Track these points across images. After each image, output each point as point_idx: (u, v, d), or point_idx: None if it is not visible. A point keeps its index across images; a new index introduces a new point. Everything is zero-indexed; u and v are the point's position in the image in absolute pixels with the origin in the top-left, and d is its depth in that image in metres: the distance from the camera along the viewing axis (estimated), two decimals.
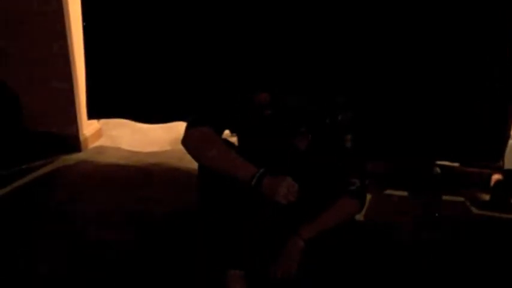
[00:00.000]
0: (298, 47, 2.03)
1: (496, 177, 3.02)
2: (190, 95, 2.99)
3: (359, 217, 2.34)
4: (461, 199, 3.00)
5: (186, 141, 1.92)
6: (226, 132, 2.04)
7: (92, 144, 3.60)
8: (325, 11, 2.69)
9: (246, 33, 2.80)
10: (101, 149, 3.56)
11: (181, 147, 1.93)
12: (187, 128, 1.93)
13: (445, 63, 2.74)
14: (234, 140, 2.09)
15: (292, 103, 1.95)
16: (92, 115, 3.35)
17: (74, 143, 3.47)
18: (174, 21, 2.94)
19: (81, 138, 3.50)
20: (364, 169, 2.07)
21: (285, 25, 2.67)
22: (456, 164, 3.16)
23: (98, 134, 3.70)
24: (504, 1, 2.60)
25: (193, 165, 1.99)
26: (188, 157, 1.93)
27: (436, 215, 2.81)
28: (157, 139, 3.68)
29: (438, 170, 3.11)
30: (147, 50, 3.05)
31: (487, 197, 3.02)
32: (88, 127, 3.55)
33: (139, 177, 3.16)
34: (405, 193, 3.04)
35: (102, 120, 3.67)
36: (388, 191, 3.05)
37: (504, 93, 2.76)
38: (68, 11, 3.18)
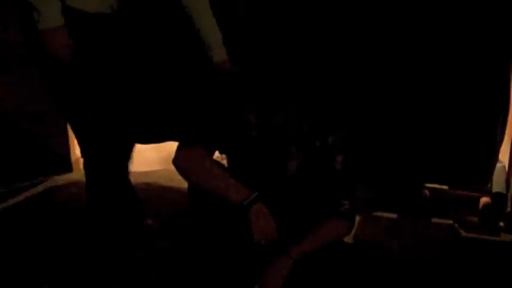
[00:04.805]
0: (286, 65, 2.06)
1: (484, 200, 3.04)
2: (181, 115, 3.00)
3: (348, 239, 2.34)
4: (450, 221, 3.02)
5: (177, 161, 1.93)
6: (217, 154, 2.06)
7: None
8: (313, 29, 2.73)
9: (234, 52, 2.82)
10: None
11: (172, 167, 1.94)
12: (178, 149, 1.94)
13: (434, 88, 2.77)
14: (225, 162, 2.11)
15: (280, 122, 1.97)
16: None
17: (65, 163, 3.47)
18: (159, 40, 2.95)
19: (73, 158, 3.50)
20: (353, 191, 2.09)
21: (272, 42, 2.71)
22: (445, 187, 3.18)
23: None
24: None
25: (184, 185, 2.00)
26: (179, 177, 1.94)
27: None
28: (148, 159, 3.69)
29: (427, 192, 3.13)
30: (134, 70, 3.06)
31: (475, 220, 3.04)
32: None
33: None
34: (394, 215, 3.05)
35: None
36: (377, 213, 3.06)
37: (492, 117, 2.79)
38: None
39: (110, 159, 2.49)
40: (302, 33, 2.72)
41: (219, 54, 2.57)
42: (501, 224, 2.97)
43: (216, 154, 2.05)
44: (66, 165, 3.49)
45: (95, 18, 2.25)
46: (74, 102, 2.37)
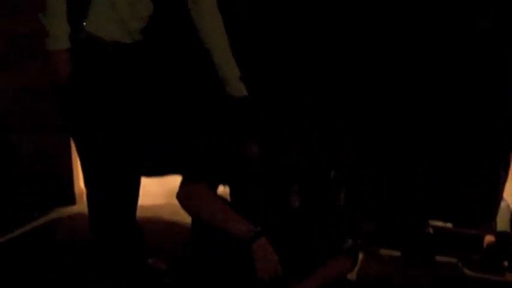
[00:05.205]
0: (288, 103, 2.07)
1: (488, 238, 3.02)
2: (185, 148, 3.01)
3: (351, 276, 2.33)
4: (454, 260, 2.99)
5: (180, 196, 1.93)
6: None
7: None
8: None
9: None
10: None
11: (175, 201, 1.95)
12: (181, 183, 1.95)
13: (437, 125, 2.79)
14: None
15: (282, 160, 1.98)
16: None
17: (68, 195, 3.47)
18: (169, 73, 2.97)
19: (76, 190, 3.49)
20: (356, 228, 2.08)
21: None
22: (449, 225, 3.16)
23: None
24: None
25: (188, 219, 2.00)
26: (183, 211, 1.95)
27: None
28: (151, 192, 3.68)
29: (431, 230, 3.11)
30: (141, 102, 3.09)
31: (479, 259, 3.01)
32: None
33: None
34: (398, 252, 3.03)
35: None
36: (381, 250, 3.04)
37: (495, 155, 2.80)
38: None
39: (116, 192, 2.48)
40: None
41: (238, 89, 2.54)
42: (505, 263, 2.95)
43: (221, 188, 2.06)
44: (70, 198, 3.48)
45: (111, 46, 2.26)
46: (83, 128, 2.37)
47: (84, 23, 2.17)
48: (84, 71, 2.24)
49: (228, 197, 2.10)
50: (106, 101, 2.30)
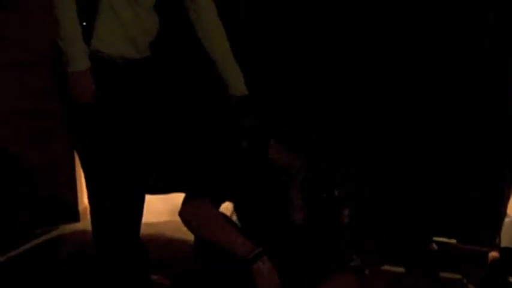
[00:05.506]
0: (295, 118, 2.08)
1: (493, 254, 3.01)
2: (188, 166, 3.01)
3: None
4: (458, 276, 2.98)
5: (183, 213, 1.94)
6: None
7: None
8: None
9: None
10: None
11: (178, 218, 1.95)
12: (184, 201, 1.95)
13: (441, 141, 2.79)
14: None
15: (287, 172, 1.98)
16: None
17: (72, 212, 3.47)
18: (174, 89, 2.99)
19: (80, 207, 3.50)
20: (362, 245, 2.08)
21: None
22: (453, 241, 3.15)
23: None
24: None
25: (191, 237, 2.00)
26: (185, 228, 1.95)
27: None
28: (155, 209, 3.68)
29: (435, 246, 3.11)
30: (146, 118, 3.10)
31: (484, 275, 3.00)
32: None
33: None
34: (402, 269, 3.02)
35: None
36: (385, 267, 3.03)
37: (499, 171, 2.80)
38: None
39: (122, 207, 2.47)
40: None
41: (241, 89, 2.56)
42: (510, 279, 2.94)
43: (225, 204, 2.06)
44: (74, 215, 3.49)
45: (120, 62, 2.26)
46: (92, 143, 2.37)
47: (92, 41, 2.18)
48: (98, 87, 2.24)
49: (231, 213, 2.10)
50: (115, 118, 2.30)
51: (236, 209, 2.13)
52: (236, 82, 2.55)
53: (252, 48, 2.85)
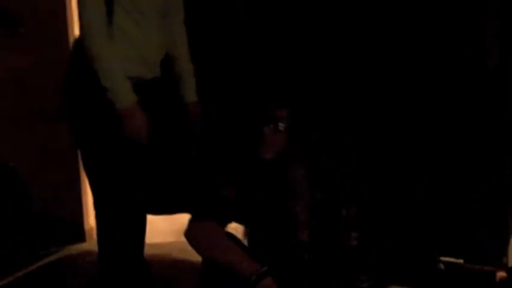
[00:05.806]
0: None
1: (500, 274, 2.99)
2: (193, 188, 3.01)
3: None
4: None
5: (189, 235, 1.94)
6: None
7: None
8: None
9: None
10: None
11: (184, 239, 1.95)
12: (190, 221, 1.96)
13: (446, 160, 2.80)
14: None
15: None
16: None
17: (78, 232, 3.47)
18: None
19: (86, 227, 3.50)
20: (371, 266, 2.08)
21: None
22: (460, 261, 3.13)
23: None
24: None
25: (197, 257, 2.00)
26: (191, 249, 1.95)
27: None
28: (160, 230, 3.68)
29: (442, 266, 3.09)
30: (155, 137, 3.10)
31: None
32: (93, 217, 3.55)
33: None
34: None
35: None
36: (392, 287, 3.01)
37: (505, 190, 2.79)
38: None
39: (126, 229, 2.48)
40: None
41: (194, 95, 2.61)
42: None
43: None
44: (79, 235, 3.48)
45: (132, 82, 2.24)
46: (102, 158, 2.37)
47: None
48: (107, 108, 2.22)
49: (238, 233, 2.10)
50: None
51: (245, 228, 2.13)
52: (193, 86, 2.59)
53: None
